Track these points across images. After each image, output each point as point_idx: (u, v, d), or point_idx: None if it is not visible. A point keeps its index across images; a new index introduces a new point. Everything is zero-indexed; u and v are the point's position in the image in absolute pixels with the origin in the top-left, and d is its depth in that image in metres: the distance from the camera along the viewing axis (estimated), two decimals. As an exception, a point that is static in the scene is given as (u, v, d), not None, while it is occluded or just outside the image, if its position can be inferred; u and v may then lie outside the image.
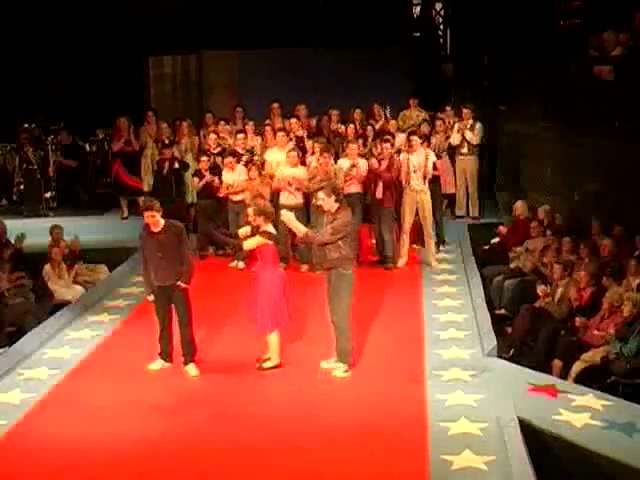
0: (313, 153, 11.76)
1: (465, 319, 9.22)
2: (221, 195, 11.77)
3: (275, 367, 7.98)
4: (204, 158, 11.96)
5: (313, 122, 13.60)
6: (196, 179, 12.05)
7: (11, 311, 9.43)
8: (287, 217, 7.89)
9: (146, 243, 7.86)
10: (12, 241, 10.84)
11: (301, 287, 10.68)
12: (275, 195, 11.28)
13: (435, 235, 11.87)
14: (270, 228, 7.84)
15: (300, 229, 8.00)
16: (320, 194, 8.11)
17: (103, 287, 10.68)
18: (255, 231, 7.86)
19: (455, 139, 13.37)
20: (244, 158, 11.94)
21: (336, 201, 7.83)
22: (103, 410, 7.17)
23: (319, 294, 10.21)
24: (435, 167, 11.93)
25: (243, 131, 12.68)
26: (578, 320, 8.51)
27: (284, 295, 7.95)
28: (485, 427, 6.61)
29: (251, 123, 13.17)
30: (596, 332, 8.23)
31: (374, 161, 11.44)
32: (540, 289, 9.40)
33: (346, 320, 7.94)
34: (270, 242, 7.78)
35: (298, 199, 11.25)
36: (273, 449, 6.42)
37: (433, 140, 12.83)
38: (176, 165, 12.25)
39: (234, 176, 11.66)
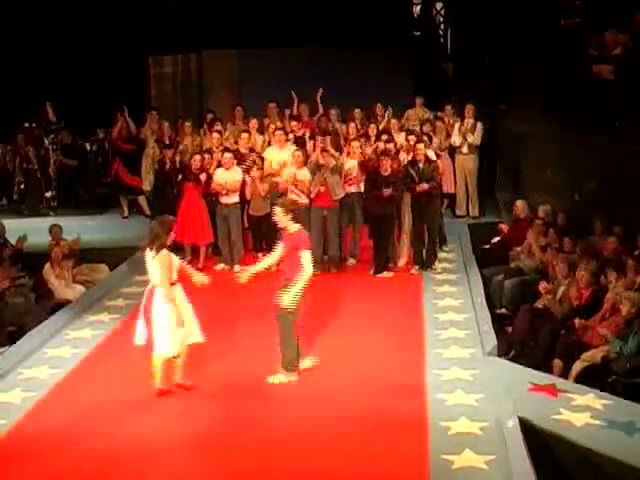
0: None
1: (465, 318, 9.22)
2: (213, 192, 11.34)
3: None
4: (197, 157, 11.75)
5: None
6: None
7: (11, 311, 9.44)
8: None
9: None
10: (13, 241, 10.84)
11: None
12: (273, 195, 11.23)
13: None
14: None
15: None
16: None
17: (103, 286, 10.67)
18: None
19: (457, 141, 13.36)
20: (251, 159, 11.61)
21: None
22: (103, 409, 7.17)
23: (318, 295, 10.24)
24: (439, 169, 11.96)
25: (247, 131, 12.55)
26: (577, 322, 8.51)
27: None
28: (485, 426, 6.62)
29: (254, 121, 13.08)
30: (599, 330, 8.22)
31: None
32: (542, 286, 9.37)
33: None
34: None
35: (303, 200, 11.14)
36: (273, 450, 6.41)
37: (435, 139, 12.85)
38: (177, 165, 12.22)
39: (228, 176, 11.24)
